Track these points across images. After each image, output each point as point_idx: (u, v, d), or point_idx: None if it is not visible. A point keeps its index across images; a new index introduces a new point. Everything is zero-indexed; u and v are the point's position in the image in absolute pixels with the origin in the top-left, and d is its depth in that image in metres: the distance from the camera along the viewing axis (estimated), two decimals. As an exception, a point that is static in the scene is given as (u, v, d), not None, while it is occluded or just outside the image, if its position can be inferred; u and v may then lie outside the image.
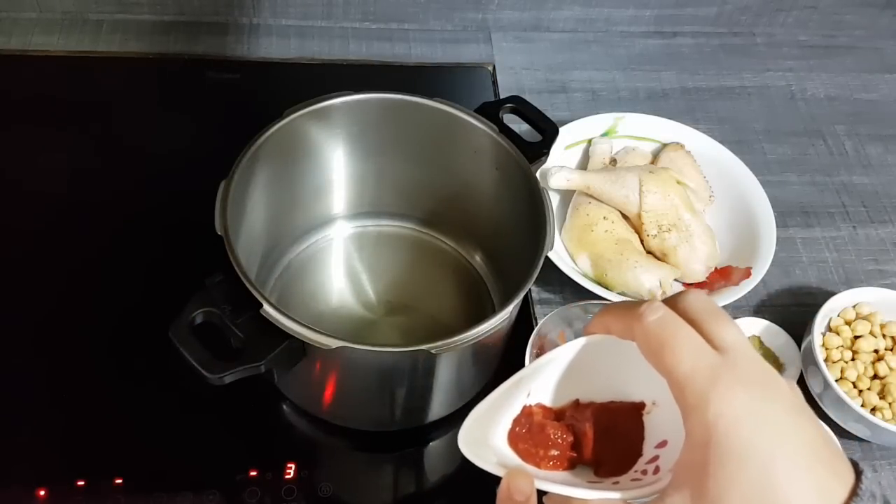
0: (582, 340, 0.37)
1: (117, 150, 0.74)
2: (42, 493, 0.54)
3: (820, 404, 0.63)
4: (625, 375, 0.37)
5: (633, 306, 0.33)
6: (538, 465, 0.36)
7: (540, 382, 0.37)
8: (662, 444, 0.35)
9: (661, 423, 0.36)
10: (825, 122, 0.87)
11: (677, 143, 0.76)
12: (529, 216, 0.57)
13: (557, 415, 0.38)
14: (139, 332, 0.61)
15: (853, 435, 0.62)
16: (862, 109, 0.89)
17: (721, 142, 0.76)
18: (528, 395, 0.37)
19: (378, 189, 0.68)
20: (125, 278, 0.66)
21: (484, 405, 0.36)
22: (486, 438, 0.36)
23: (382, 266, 0.68)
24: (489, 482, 0.59)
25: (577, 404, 0.38)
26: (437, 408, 0.59)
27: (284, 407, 0.60)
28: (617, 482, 0.35)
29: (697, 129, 0.77)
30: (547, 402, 0.38)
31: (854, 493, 0.30)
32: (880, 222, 0.79)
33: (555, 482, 0.34)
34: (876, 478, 0.31)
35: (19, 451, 0.57)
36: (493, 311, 0.51)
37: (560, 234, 0.71)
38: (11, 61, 0.79)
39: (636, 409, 0.37)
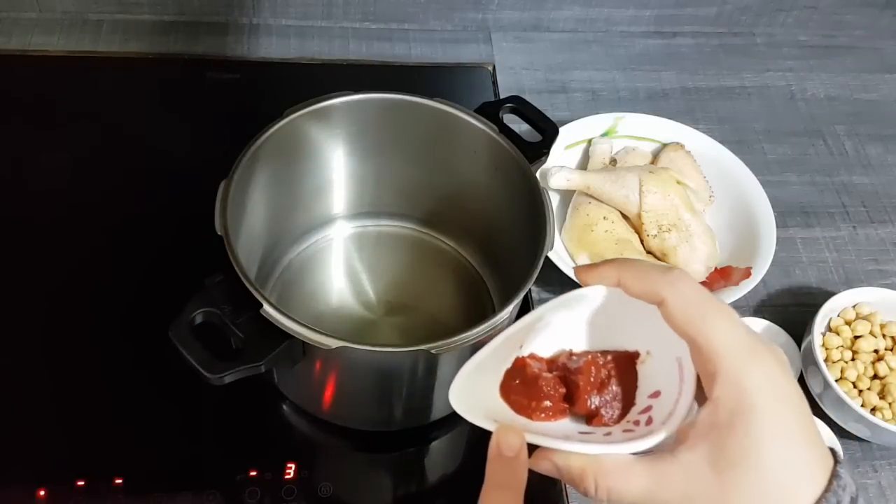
0: (581, 291, 0.36)
1: (117, 151, 0.74)
2: (42, 493, 0.54)
3: (820, 404, 0.63)
4: (618, 326, 0.37)
5: (661, 269, 0.35)
6: (531, 417, 0.36)
7: (533, 334, 0.37)
8: (656, 394, 0.36)
9: (655, 374, 0.36)
10: (825, 122, 0.87)
11: (677, 144, 0.76)
12: (529, 216, 0.57)
13: (550, 365, 0.37)
14: (139, 332, 0.61)
15: (853, 435, 0.62)
16: (862, 109, 0.89)
17: (721, 142, 0.76)
18: (521, 347, 0.37)
19: (378, 189, 0.68)
20: (125, 278, 0.66)
21: (474, 361, 0.36)
22: (478, 393, 0.36)
23: (382, 266, 0.68)
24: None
25: (570, 355, 0.38)
26: (438, 408, 0.58)
27: (284, 407, 0.60)
28: (609, 433, 0.35)
29: (697, 129, 0.77)
30: (539, 353, 0.38)
31: (835, 473, 0.33)
32: (880, 222, 0.79)
33: (545, 436, 0.34)
34: (849, 470, 0.34)
35: (19, 452, 0.57)
36: (493, 311, 0.51)
37: (560, 234, 0.71)
38: (11, 61, 0.79)
39: (630, 359, 0.37)
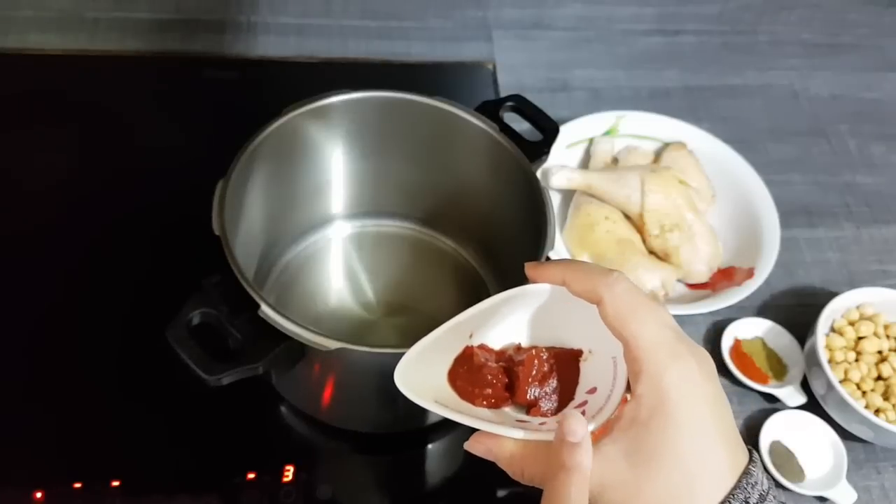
0: (529, 287, 0.39)
1: (114, 149, 0.74)
2: (39, 495, 0.54)
3: (823, 405, 0.62)
4: (566, 324, 0.39)
5: (601, 271, 0.37)
6: (473, 403, 0.39)
7: (484, 325, 0.40)
8: (592, 390, 0.38)
9: (594, 372, 0.39)
10: (828, 121, 0.86)
11: (679, 143, 0.76)
12: (530, 216, 0.57)
13: (499, 356, 0.40)
14: (136, 332, 0.60)
15: (856, 437, 0.62)
16: (865, 108, 0.88)
17: (724, 141, 0.76)
18: (471, 336, 0.40)
19: (377, 188, 0.67)
20: (122, 278, 0.65)
21: (421, 344, 0.39)
22: (424, 376, 0.38)
23: (381, 266, 0.68)
24: (489, 484, 0.58)
25: (518, 348, 0.40)
26: (437, 410, 0.58)
27: (283, 408, 0.60)
28: (544, 423, 0.38)
29: (700, 128, 0.77)
30: (489, 344, 0.40)
31: (746, 471, 0.35)
32: (884, 222, 0.78)
33: (482, 420, 0.37)
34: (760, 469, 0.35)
35: (16, 454, 0.56)
36: (493, 312, 0.50)
37: (561, 233, 0.70)
38: (7, 59, 0.79)
39: (574, 356, 0.40)
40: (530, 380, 0.39)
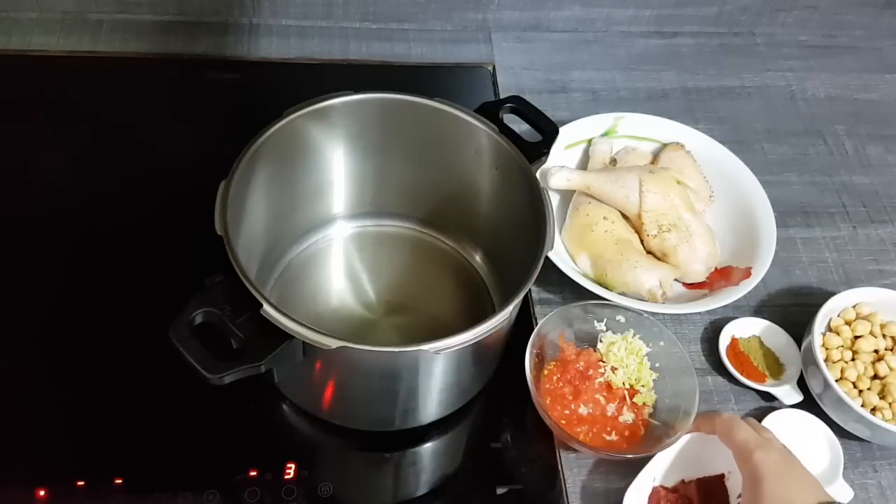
0: (684, 438, 0.58)
1: (117, 150, 0.74)
2: (42, 493, 0.54)
3: (820, 404, 0.63)
4: (710, 458, 0.58)
5: (713, 414, 0.58)
6: None
7: (661, 470, 0.58)
8: (740, 496, 0.56)
9: (737, 485, 0.56)
10: (825, 122, 0.87)
11: (677, 143, 0.76)
12: (529, 216, 0.57)
13: (674, 491, 0.58)
14: (139, 332, 0.61)
15: (853, 435, 0.62)
16: (862, 109, 0.88)
17: (721, 142, 0.76)
18: (654, 480, 0.58)
19: (378, 189, 0.68)
20: (125, 278, 0.66)
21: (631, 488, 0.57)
22: None
23: (382, 266, 0.68)
24: (489, 482, 0.59)
25: (683, 482, 0.59)
26: (438, 408, 0.58)
27: (284, 407, 0.60)
28: None
29: (697, 129, 0.77)
30: (666, 483, 0.59)
31: None
32: (880, 222, 0.79)
33: None
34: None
35: (19, 452, 0.57)
36: (493, 311, 0.51)
37: (560, 234, 0.71)
38: (11, 61, 0.79)
39: (720, 478, 0.58)
40: (698, 502, 0.57)
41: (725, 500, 0.58)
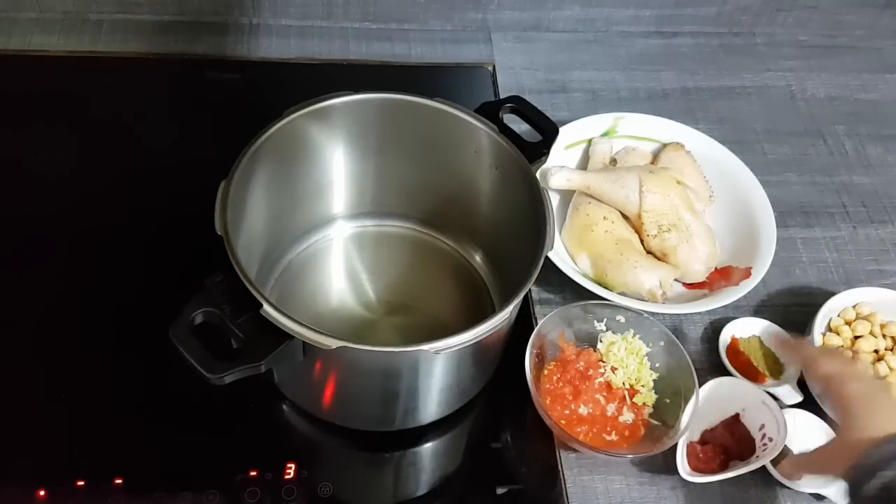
0: (707, 386, 0.61)
1: (117, 150, 0.74)
2: (42, 493, 0.54)
3: (820, 404, 0.63)
4: (721, 402, 0.61)
5: (797, 343, 0.64)
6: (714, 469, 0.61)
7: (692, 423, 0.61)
8: (762, 426, 0.61)
9: (752, 419, 0.61)
10: (825, 122, 0.87)
11: (677, 143, 0.76)
12: (529, 216, 0.57)
13: (702, 442, 0.61)
14: (139, 332, 0.61)
15: (853, 435, 0.62)
16: (862, 109, 0.88)
17: (721, 142, 0.76)
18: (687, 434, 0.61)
19: (378, 189, 0.68)
20: (125, 278, 0.66)
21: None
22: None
23: (382, 266, 0.68)
24: (488, 481, 0.59)
25: (707, 430, 0.62)
26: (438, 408, 0.59)
27: (284, 407, 0.60)
28: (758, 456, 0.60)
29: (697, 129, 0.77)
30: (692, 438, 0.61)
31: None
32: (880, 222, 0.79)
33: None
34: None
35: (19, 451, 0.57)
36: (493, 311, 0.51)
37: (560, 234, 0.71)
38: (11, 61, 0.79)
39: (736, 417, 0.62)
40: (731, 444, 0.61)
41: (748, 435, 0.61)
